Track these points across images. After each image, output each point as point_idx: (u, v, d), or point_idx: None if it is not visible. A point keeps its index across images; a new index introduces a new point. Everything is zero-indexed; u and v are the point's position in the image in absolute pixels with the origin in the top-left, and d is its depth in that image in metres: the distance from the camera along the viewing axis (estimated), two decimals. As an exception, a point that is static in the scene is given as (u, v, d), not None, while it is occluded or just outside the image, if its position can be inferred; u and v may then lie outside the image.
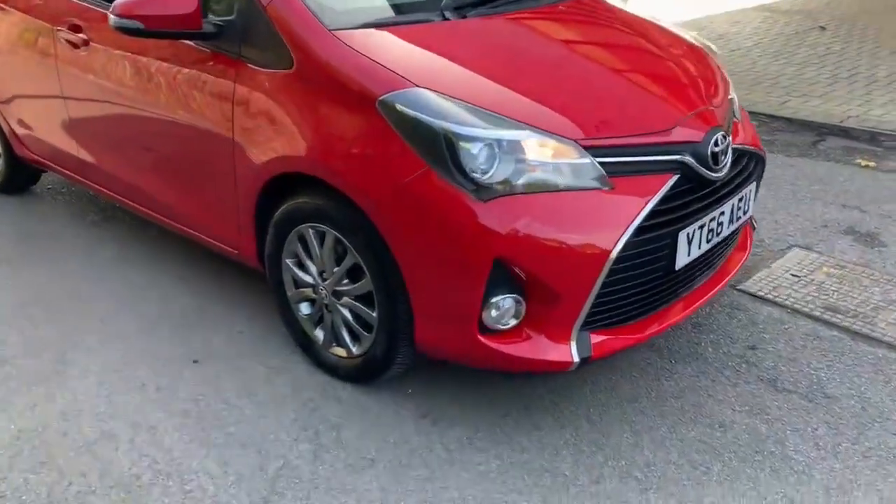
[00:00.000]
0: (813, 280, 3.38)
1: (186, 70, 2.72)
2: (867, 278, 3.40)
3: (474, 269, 2.15)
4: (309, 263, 2.59)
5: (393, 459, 2.30)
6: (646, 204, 2.24)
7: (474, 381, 2.63)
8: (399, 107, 2.21)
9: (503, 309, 2.22)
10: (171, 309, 3.10)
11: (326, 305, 2.60)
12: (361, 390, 2.60)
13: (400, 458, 2.31)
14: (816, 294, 3.24)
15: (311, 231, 2.52)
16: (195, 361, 2.77)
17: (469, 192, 2.13)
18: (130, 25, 2.55)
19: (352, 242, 2.39)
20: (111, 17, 2.58)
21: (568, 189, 2.19)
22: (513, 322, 2.26)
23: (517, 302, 2.23)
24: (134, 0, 2.54)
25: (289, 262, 2.67)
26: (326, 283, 2.55)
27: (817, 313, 3.10)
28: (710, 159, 2.39)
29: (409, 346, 2.42)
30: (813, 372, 2.72)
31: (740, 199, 2.60)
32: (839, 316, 3.08)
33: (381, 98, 2.23)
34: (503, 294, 2.20)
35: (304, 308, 2.72)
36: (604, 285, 2.21)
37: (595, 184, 2.21)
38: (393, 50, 2.39)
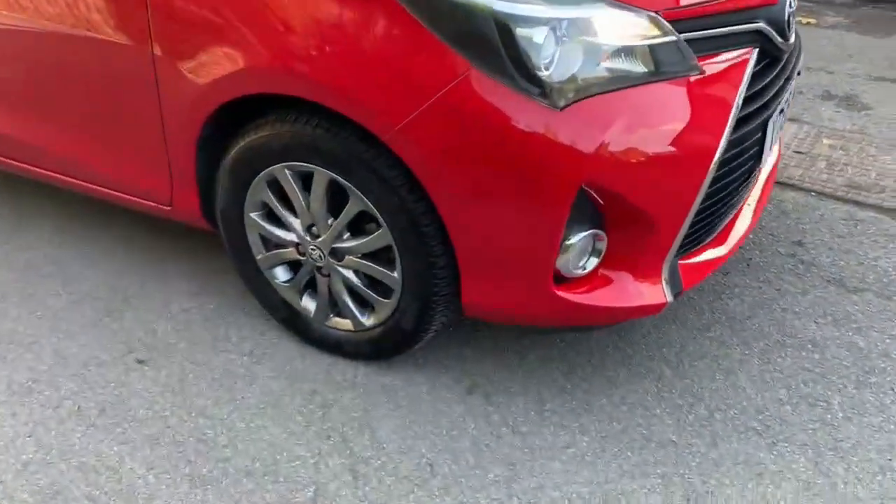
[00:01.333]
0: (819, 155, 3.05)
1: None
2: (870, 146, 3.12)
3: (552, 202, 1.59)
4: (287, 216, 1.93)
5: (456, 459, 1.77)
6: (738, 88, 1.73)
7: (506, 334, 2.11)
8: (420, -15, 1.55)
9: (580, 249, 1.68)
10: (87, 296, 2.33)
11: (320, 268, 1.96)
12: (377, 369, 2.03)
13: (464, 456, 1.78)
14: (830, 172, 2.92)
15: (288, 173, 1.85)
16: (140, 361, 2.07)
17: (536, 97, 1.54)
18: None
19: (358, 184, 1.74)
20: None
21: (653, 79, 1.64)
22: (593, 264, 1.74)
23: (596, 238, 1.70)
24: None
25: (254, 216, 1.98)
26: (320, 239, 1.90)
27: (841, 193, 2.78)
28: (785, 25, 1.90)
29: (447, 310, 1.86)
30: (874, 262, 2.39)
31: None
32: (864, 193, 2.78)
33: (392, -25, 1.55)
34: (582, 230, 1.66)
35: (281, 274, 2.06)
36: (703, 199, 1.72)
37: (684, 69, 1.67)
38: None
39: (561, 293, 1.70)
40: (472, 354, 2.06)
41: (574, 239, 1.65)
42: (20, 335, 2.16)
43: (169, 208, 2.14)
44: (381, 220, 1.77)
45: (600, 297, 1.75)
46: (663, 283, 1.78)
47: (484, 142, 1.57)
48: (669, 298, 1.79)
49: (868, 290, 2.27)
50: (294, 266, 2.04)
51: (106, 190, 2.25)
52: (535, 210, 1.60)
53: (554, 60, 1.53)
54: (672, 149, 1.63)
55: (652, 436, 1.82)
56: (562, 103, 1.54)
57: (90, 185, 2.28)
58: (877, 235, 2.53)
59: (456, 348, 2.07)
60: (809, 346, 2.07)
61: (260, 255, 2.04)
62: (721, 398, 1.91)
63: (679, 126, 1.65)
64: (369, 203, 1.76)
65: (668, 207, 1.69)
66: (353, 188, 1.76)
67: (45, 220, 2.68)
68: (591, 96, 1.56)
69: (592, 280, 1.75)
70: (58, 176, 2.33)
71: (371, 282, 1.92)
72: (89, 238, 2.58)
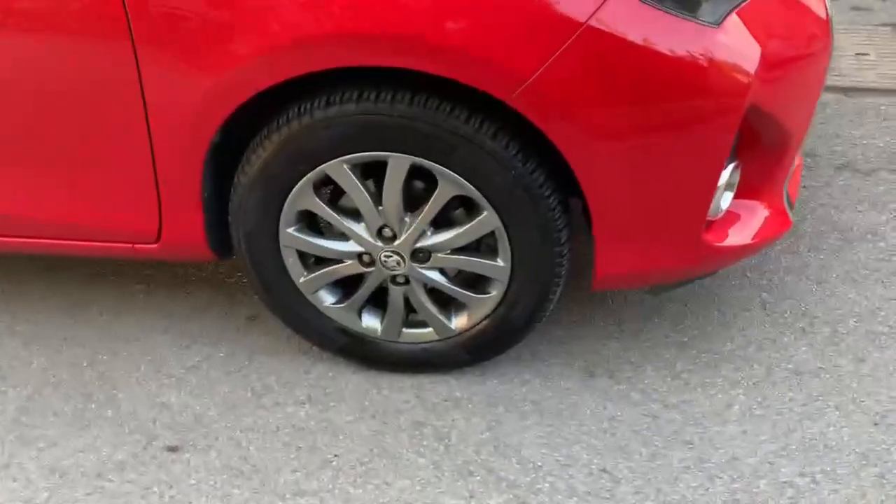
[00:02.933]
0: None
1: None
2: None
3: (717, 135, 1.35)
4: (346, 222, 1.52)
5: (627, 455, 1.51)
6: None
7: (585, 300, 1.87)
8: None
9: (724, 186, 1.47)
10: (49, 385, 1.76)
11: (394, 277, 1.58)
12: (471, 378, 1.70)
13: (634, 449, 1.53)
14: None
15: (346, 168, 1.44)
16: (172, 448, 1.59)
17: (687, 15, 1.28)
18: None
19: (453, 164, 1.39)
20: None
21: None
22: (728, 200, 1.54)
23: (735, 169, 1.50)
24: None
25: (293, 232, 1.55)
26: (397, 242, 1.52)
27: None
28: None
29: (558, 293, 1.57)
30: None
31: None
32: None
33: None
34: (729, 163, 1.45)
35: (330, 295, 1.65)
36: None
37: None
38: None
39: (711, 241, 1.49)
40: (564, 333, 1.80)
41: (723, 175, 1.44)
42: (-21, 461, 1.58)
43: (153, 246, 1.63)
44: (483, 202, 1.44)
45: (740, 235, 1.56)
46: (785, 203, 1.63)
47: (634, 79, 1.28)
48: (793, 218, 1.64)
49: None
50: (346, 283, 1.65)
51: (49, 241, 1.68)
52: (698, 149, 1.36)
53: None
54: (811, 55, 1.46)
55: (798, 368, 1.68)
56: (715, 18, 1.30)
57: (21, 241, 1.69)
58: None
59: (541, 331, 1.79)
60: (869, 235, 2.04)
61: (302, 277, 1.61)
62: (832, 309, 1.82)
63: (814, 30, 1.47)
64: (469, 185, 1.41)
65: (800, 122, 1.53)
66: (447, 170, 1.40)
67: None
68: (737, 6, 1.34)
69: (730, 218, 1.55)
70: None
71: (468, 278, 1.59)
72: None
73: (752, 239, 1.57)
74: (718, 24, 1.29)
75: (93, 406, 1.70)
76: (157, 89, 1.38)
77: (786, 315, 1.81)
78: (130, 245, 1.65)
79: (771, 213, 1.60)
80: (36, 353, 1.84)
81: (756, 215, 1.58)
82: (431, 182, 1.45)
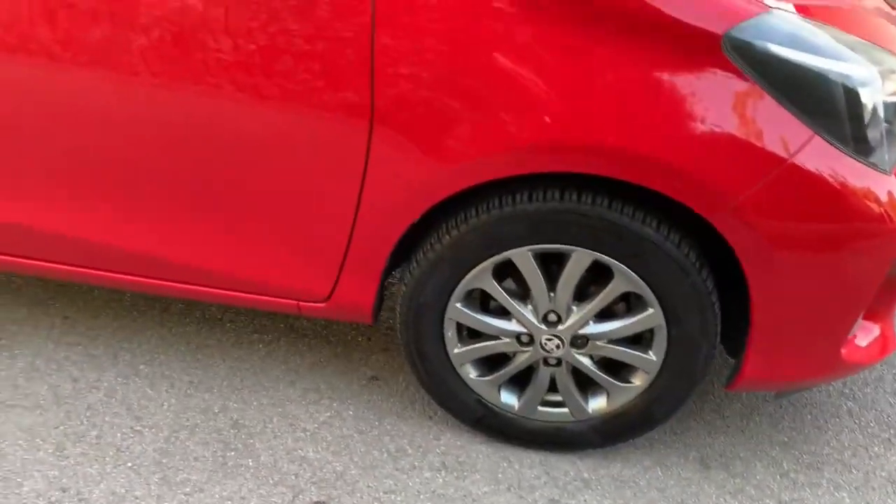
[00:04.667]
0: None
1: (240, 10, 1.42)
2: None
3: (878, 263, 1.52)
4: (515, 304, 1.63)
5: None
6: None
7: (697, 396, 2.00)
8: (759, 45, 1.38)
9: (864, 306, 1.65)
10: (181, 431, 1.79)
11: (546, 359, 1.69)
12: (596, 460, 1.80)
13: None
14: None
15: (530, 255, 1.56)
16: (313, 504, 1.65)
17: (867, 161, 1.45)
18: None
19: (634, 264, 1.53)
20: None
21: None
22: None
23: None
24: None
25: (461, 307, 1.65)
26: (561, 327, 1.63)
27: None
28: None
29: (696, 386, 1.70)
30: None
31: None
32: None
33: (728, 34, 1.36)
34: (870, 287, 1.62)
35: (475, 368, 1.75)
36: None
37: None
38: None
39: (845, 353, 1.65)
40: (675, 423, 1.92)
41: (867, 298, 1.60)
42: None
43: (320, 305, 1.71)
44: (653, 302, 1.57)
45: (861, 352, 1.72)
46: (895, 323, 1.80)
47: (818, 206, 1.44)
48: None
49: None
50: (493, 357, 1.75)
51: (213, 290, 1.74)
52: (859, 271, 1.52)
53: (894, 125, 1.46)
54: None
55: (892, 477, 1.84)
56: (888, 166, 1.48)
57: (185, 287, 1.75)
58: None
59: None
60: (932, 357, 2.23)
61: (456, 349, 1.71)
62: (913, 424, 1.99)
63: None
64: (645, 285, 1.55)
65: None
66: (628, 270, 1.54)
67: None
68: (905, 155, 1.52)
69: (860, 335, 1.71)
70: (134, 279, 1.76)
71: (608, 365, 1.71)
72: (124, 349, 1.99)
73: (869, 357, 1.73)
74: (889, 171, 1.47)
75: (232, 454, 1.74)
76: (380, 167, 1.49)
77: (871, 425, 1.98)
78: (296, 302, 1.72)
79: (881, 334, 1.77)
80: (165, 394, 1.88)
81: (871, 335, 1.75)
82: (599, 271, 1.58)
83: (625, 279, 1.55)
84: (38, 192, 1.70)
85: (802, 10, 1.60)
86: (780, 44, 1.38)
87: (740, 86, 1.38)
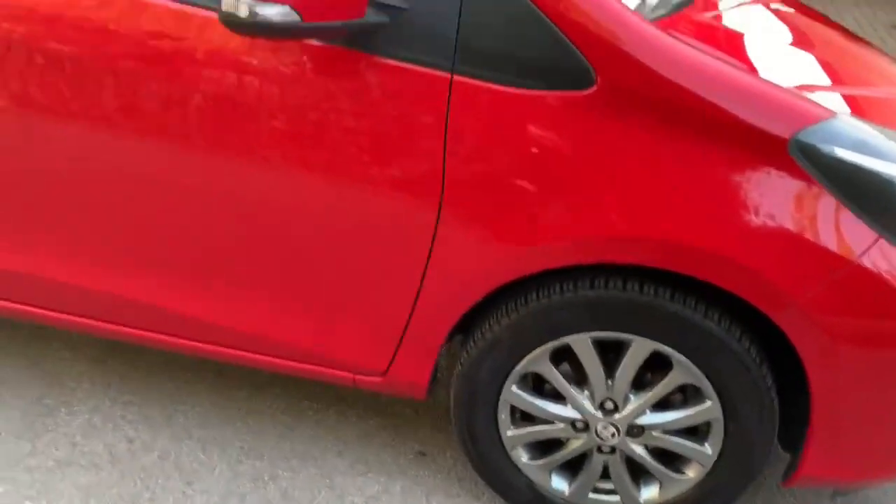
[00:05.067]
0: None
1: (318, 92, 1.48)
2: None
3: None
4: (572, 390, 1.64)
5: None
6: None
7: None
8: (826, 149, 1.40)
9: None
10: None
11: (601, 446, 1.68)
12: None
13: None
14: None
15: (589, 343, 1.58)
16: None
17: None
18: (274, 20, 1.23)
19: (695, 357, 1.53)
20: (224, 1, 1.23)
21: None
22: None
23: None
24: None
25: (516, 390, 1.67)
26: (617, 416, 1.63)
27: None
28: None
29: (751, 481, 1.68)
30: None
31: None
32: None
33: (796, 137, 1.39)
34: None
35: (527, 451, 1.75)
36: None
37: None
38: (741, 51, 1.52)
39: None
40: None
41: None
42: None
43: (376, 379, 1.73)
44: (713, 395, 1.57)
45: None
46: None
47: (885, 311, 1.44)
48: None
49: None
50: (546, 442, 1.74)
51: (267, 358, 1.78)
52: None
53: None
54: None
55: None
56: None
57: (239, 353, 1.79)
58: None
59: None
60: None
61: (509, 431, 1.71)
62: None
63: None
64: (706, 378, 1.55)
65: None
66: (689, 362, 1.54)
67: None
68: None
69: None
70: (189, 343, 1.80)
71: (661, 455, 1.70)
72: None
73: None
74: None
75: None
76: (447, 247, 1.52)
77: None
78: (352, 375, 1.75)
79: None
80: (216, 459, 1.90)
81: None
82: (658, 359, 1.58)
83: (684, 371, 1.56)
84: (97, 253, 1.75)
85: (851, 101, 1.65)
86: (846, 148, 1.41)
87: (806, 187, 1.41)
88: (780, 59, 1.74)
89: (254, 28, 1.26)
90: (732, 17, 1.92)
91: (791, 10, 2.20)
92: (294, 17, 1.25)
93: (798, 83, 1.60)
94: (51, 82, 1.59)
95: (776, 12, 2.12)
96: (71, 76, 1.57)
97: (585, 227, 1.45)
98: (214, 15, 1.43)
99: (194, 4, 1.49)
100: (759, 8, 2.09)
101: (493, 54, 1.42)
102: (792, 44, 1.90)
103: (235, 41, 1.44)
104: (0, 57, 1.59)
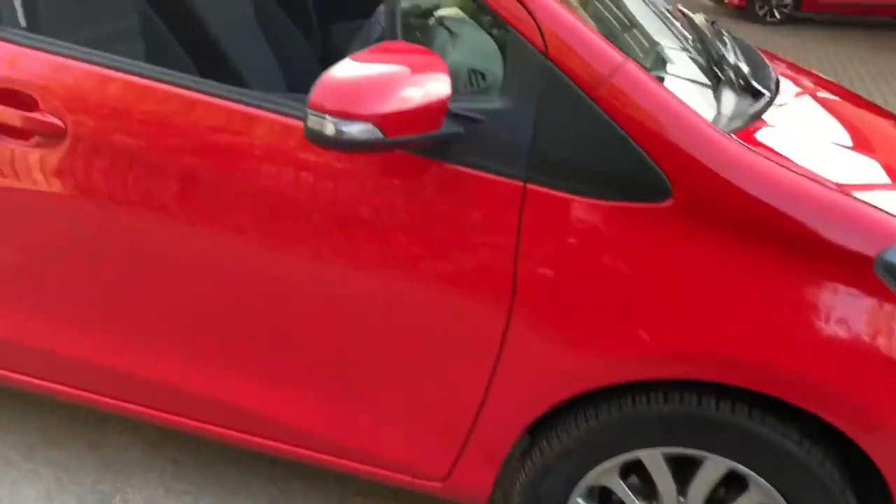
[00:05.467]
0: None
1: (387, 195, 1.49)
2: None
3: None
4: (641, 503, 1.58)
5: None
6: None
7: None
8: (916, 268, 1.36)
9: None
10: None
11: (669, 567, 1.61)
12: None
13: None
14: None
15: (661, 458, 1.52)
16: None
17: None
18: (358, 136, 1.25)
19: (773, 478, 1.46)
20: (311, 118, 1.26)
21: None
22: None
23: None
24: (351, 83, 1.26)
25: (581, 500, 1.61)
26: (689, 536, 1.56)
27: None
28: None
29: None
30: None
31: None
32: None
33: (882, 256, 1.35)
34: None
35: (590, 564, 1.68)
36: None
37: None
38: (814, 159, 1.49)
39: None
40: None
41: None
42: None
43: (435, 484, 1.69)
44: (791, 515, 1.49)
45: None
46: None
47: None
48: None
49: None
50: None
51: (323, 456, 1.75)
52: None
53: None
54: None
55: None
56: None
57: (295, 449, 1.77)
58: None
59: None
60: None
61: (573, 546, 1.65)
62: None
63: None
64: (781, 499, 1.48)
65: None
66: (766, 483, 1.47)
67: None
68: None
69: None
70: (245, 436, 1.79)
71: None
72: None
73: None
74: None
75: None
76: (516, 353, 1.49)
77: None
78: (410, 478, 1.71)
79: None
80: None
81: None
82: (732, 476, 1.51)
83: (761, 491, 1.49)
84: (156, 342, 1.76)
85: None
86: (934, 267, 1.36)
87: (893, 308, 1.36)
88: (853, 162, 1.71)
89: (338, 144, 1.27)
90: (804, 115, 1.90)
91: (853, 105, 2.17)
92: (377, 133, 1.26)
93: (869, 186, 1.57)
94: (117, 174, 1.63)
95: (840, 108, 2.09)
96: (137, 169, 1.61)
97: (658, 342, 1.41)
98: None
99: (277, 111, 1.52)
100: (824, 100, 2.07)
101: (566, 165, 1.42)
102: (858, 144, 1.86)
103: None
104: (68, 148, 1.63)
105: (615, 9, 1.95)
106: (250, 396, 1.74)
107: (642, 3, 2.13)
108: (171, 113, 1.57)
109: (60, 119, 1.59)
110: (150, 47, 2.25)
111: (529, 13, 1.41)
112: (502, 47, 1.50)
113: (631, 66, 1.41)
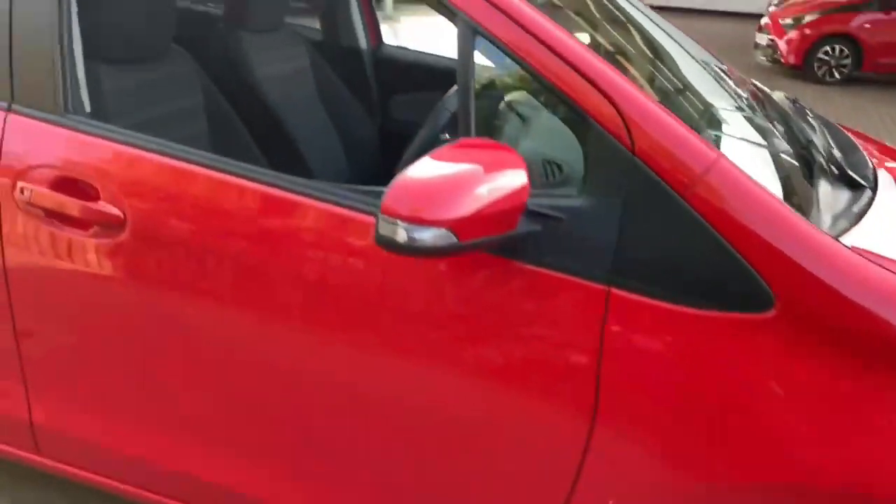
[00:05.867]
0: None
1: (456, 294, 1.40)
2: None
3: None
4: None
5: None
6: None
7: None
8: None
9: None
10: None
11: None
12: None
13: None
14: None
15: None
16: None
17: None
18: (431, 243, 1.17)
19: None
20: (382, 224, 1.17)
21: None
22: None
23: None
24: (424, 187, 1.18)
25: None
26: None
27: None
28: None
29: None
30: None
31: None
32: None
33: None
34: None
35: None
36: None
37: None
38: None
39: None
40: None
41: None
42: None
43: None
44: None
45: None
46: None
47: None
48: None
49: None
50: None
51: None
52: None
53: None
54: None
55: None
56: None
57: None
58: None
59: None
60: None
61: None
62: None
63: None
64: None
65: None
66: None
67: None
68: None
69: None
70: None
71: None
72: None
73: None
74: None
75: None
76: (596, 466, 1.36)
77: None
78: None
79: None
80: None
81: None
82: None
83: None
84: (253, 455, 1.67)
85: None
86: None
87: None
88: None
89: (411, 251, 1.18)
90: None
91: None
92: (451, 238, 1.17)
93: None
94: (176, 266, 1.56)
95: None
96: (194, 260, 1.54)
97: (751, 467, 1.27)
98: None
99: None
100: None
101: (655, 269, 1.30)
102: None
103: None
104: (126, 239, 1.57)
105: (684, 87, 1.86)
106: (316, 496, 1.63)
107: (710, 77, 2.02)
108: (241, 206, 1.51)
109: (120, 209, 1.53)
110: (212, 124, 2.22)
111: (613, 105, 1.31)
112: (581, 138, 1.40)
113: (725, 163, 1.30)
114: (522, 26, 1.36)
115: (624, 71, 1.53)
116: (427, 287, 1.41)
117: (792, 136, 1.83)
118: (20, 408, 1.80)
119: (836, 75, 10.21)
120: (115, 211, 1.53)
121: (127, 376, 1.69)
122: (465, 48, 1.39)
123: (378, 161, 2.95)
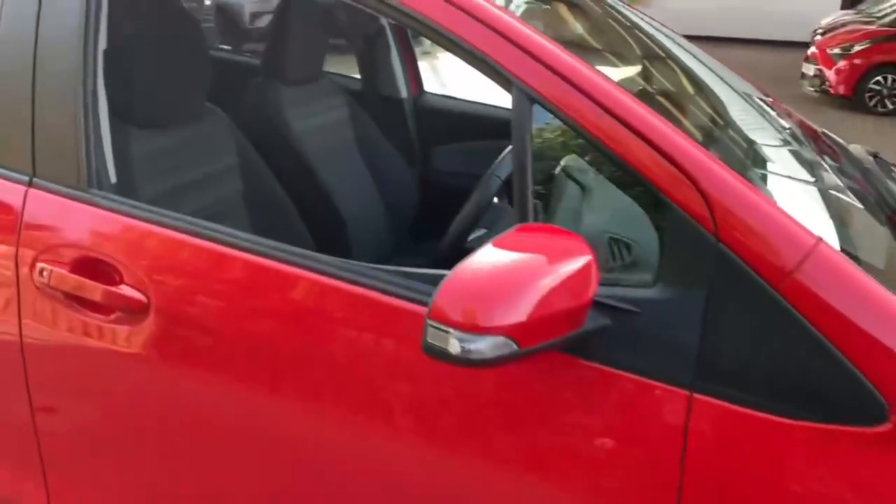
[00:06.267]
0: None
1: (515, 392, 1.23)
2: None
3: None
4: None
5: None
6: None
7: None
8: None
9: None
10: None
11: None
12: None
13: None
14: None
15: None
16: None
17: None
18: (488, 354, 1.01)
19: None
20: (431, 331, 1.02)
21: None
22: None
23: None
24: (478, 288, 1.03)
25: None
26: None
27: None
28: None
29: None
30: None
31: None
32: None
33: None
34: None
35: None
36: None
37: None
38: None
39: None
40: None
41: None
42: None
43: None
44: None
45: None
46: None
47: None
48: None
49: None
50: None
51: None
52: None
53: None
54: None
55: None
56: None
57: None
58: None
59: None
60: None
61: None
62: None
63: None
64: None
65: None
66: None
67: None
68: None
69: None
70: None
71: None
72: None
73: None
74: None
75: None
76: None
77: None
78: None
79: None
80: None
81: None
82: None
83: None
84: None
85: None
86: None
87: None
88: None
89: (466, 363, 1.02)
90: None
91: None
92: (511, 346, 1.01)
93: None
94: (204, 353, 1.43)
95: None
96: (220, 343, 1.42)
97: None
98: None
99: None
100: None
101: (746, 374, 1.12)
102: None
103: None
104: (149, 325, 1.43)
105: (756, 154, 1.68)
106: None
107: (773, 130, 1.84)
108: (279, 292, 1.37)
109: (144, 293, 1.41)
110: (247, 183, 2.10)
111: (693, 182, 1.15)
112: (654, 217, 1.24)
113: (825, 249, 1.13)
114: (588, 95, 1.21)
115: (682, 125, 1.38)
116: (485, 389, 1.24)
117: (881, 198, 1.65)
118: (38, 491, 1.68)
119: (889, 105, 9.87)
120: (138, 296, 1.41)
121: (154, 465, 1.56)
122: (522, 119, 1.24)
123: (417, 211, 2.82)
